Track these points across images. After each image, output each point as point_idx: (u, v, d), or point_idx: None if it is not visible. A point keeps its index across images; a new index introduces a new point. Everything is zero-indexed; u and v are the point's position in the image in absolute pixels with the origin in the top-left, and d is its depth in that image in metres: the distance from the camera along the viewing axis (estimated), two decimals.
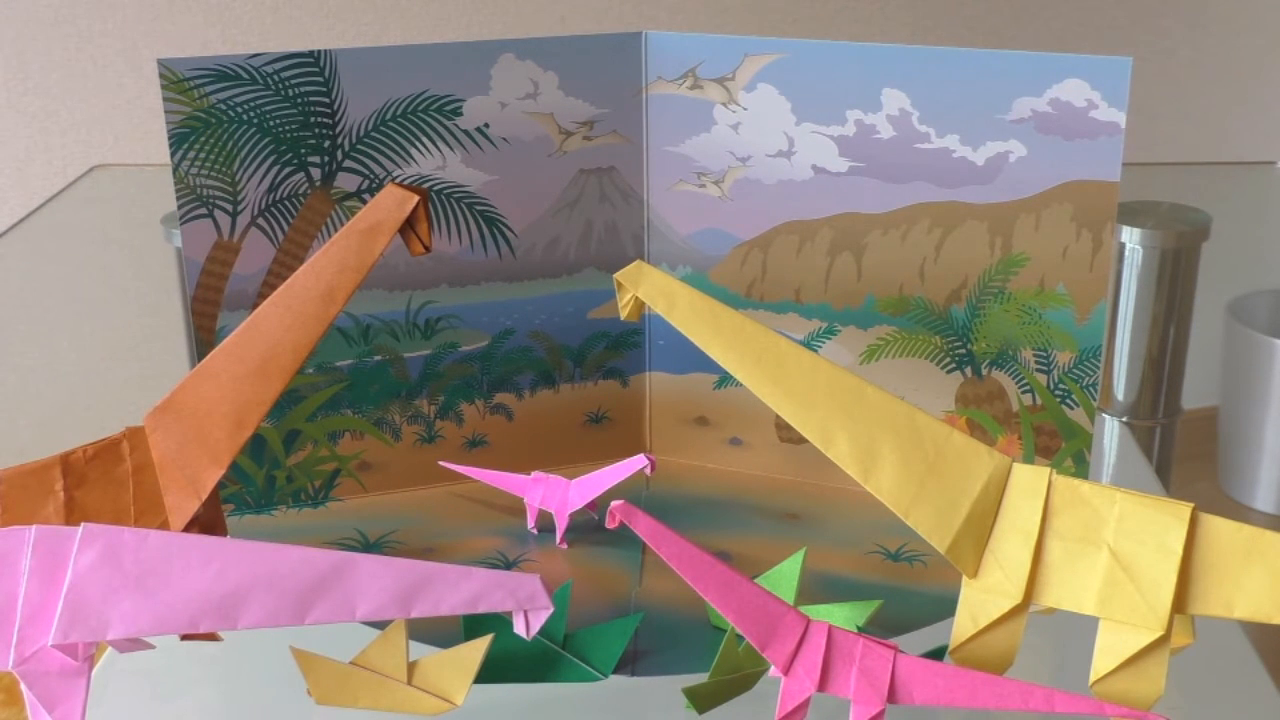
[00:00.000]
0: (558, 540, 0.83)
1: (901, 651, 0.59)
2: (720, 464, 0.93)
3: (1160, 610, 0.58)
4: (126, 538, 0.55)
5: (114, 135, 1.67)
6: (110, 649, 0.59)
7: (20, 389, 1.13)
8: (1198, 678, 0.70)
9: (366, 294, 0.86)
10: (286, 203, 0.84)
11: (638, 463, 0.81)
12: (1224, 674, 0.73)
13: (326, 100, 0.83)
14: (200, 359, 0.71)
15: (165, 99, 0.80)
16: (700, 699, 0.65)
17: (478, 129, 0.85)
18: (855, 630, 0.63)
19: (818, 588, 0.78)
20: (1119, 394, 1.02)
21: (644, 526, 0.58)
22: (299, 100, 0.82)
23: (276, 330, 0.67)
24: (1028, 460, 0.85)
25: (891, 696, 0.58)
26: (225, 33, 1.64)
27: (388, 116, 0.84)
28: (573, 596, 0.73)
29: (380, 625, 0.64)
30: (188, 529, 0.65)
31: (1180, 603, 0.58)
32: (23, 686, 0.55)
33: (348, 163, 0.84)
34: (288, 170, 0.83)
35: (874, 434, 0.62)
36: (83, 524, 0.56)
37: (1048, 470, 0.61)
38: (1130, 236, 0.99)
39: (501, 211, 0.87)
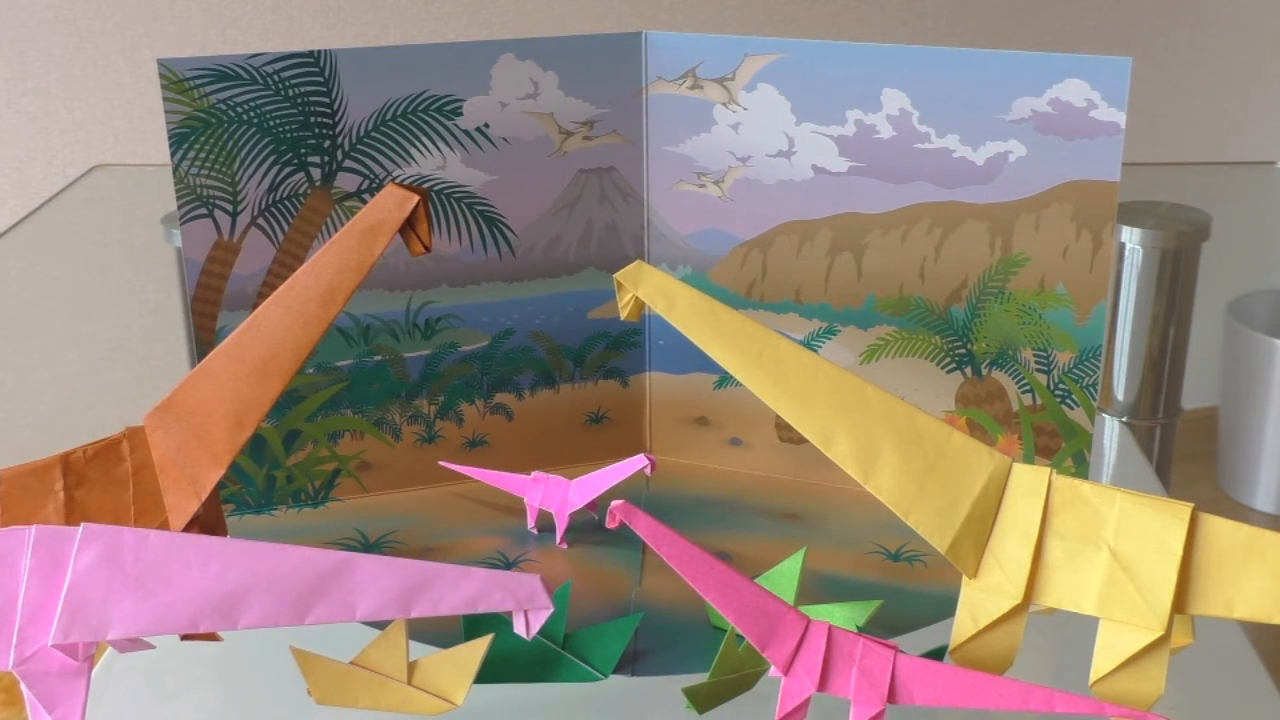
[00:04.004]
0: (558, 540, 0.83)
1: (901, 651, 0.59)
2: (720, 464, 0.93)
3: (1160, 610, 0.58)
4: (126, 538, 0.55)
5: (114, 135, 1.67)
6: (110, 649, 0.59)
7: (20, 389, 1.13)
8: (1198, 678, 0.70)
9: (366, 294, 0.86)
10: (286, 203, 0.84)
11: (638, 463, 0.81)
12: (1224, 674, 0.73)
13: (326, 100, 0.83)
14: (200, 359, 0.71)
15: (165, 99, 0.80)
16: (700, 699, 0.65)
17: (478, 129, 0.85)
18: (855, 630, 0.63)
19: (818, 588, 0.78)
20: (1119, 394, 1.02)
21: (644, 526, 0.58)
22: (299, 100, 0.82)
23: (276, 330, 0.67)
24: (1028, 460, 0.85)
25: (891, 696, 0.58)
26: (225, 33, 1.64)
27: (388, 116, 0.84)
28: (573, 596, 0.73)
29: (380, 625, 0.64)
30: (188, 529, 0.65)
31: (1180, 603, 0.58)
32: (23, 686, 0.55)
33: (348, 163, 0.84)
34: (288, 170, 0.83)
35: (874, 434, 0.62)
36: (83, 524, 0.56)
37: (1048, 470, 0.61)
38: (1130, 236, 0.99)
39: (501, 211, 0.87)
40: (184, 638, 0.63)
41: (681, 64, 0.86)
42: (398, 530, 0.86)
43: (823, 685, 0.59)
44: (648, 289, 0.67)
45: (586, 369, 0.92)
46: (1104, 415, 1.02)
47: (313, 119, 0.83)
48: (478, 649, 0.63)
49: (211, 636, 0.64)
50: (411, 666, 0.63)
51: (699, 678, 0.65)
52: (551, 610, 0.58)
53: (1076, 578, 0.59)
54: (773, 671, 0.60)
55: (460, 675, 0.63)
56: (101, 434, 0.66)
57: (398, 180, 0.84)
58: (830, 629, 0.59)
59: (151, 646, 0.59)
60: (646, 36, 0.86)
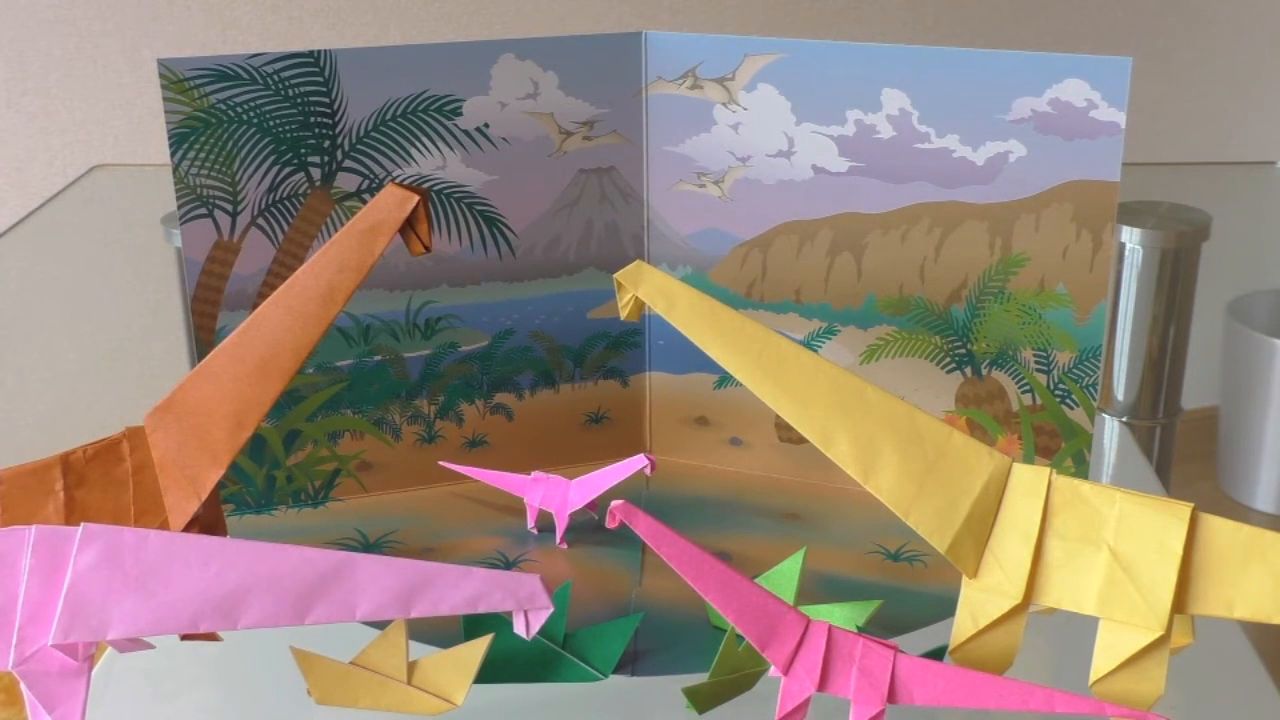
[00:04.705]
0: (558, 540, 0.83)
1: (901, 651, 0.59)
2: (720, 464, 0.93)
3: (1160, 610, 0.58)
4: (126, 538, 0.55)
5: (114, 135, 1.67)
6: (110, 649, 0.59)
7: (20, 389, 1.13)
8: (1198, 678, 0.70)
9: (366, 294, 0.86)
10: (286, 203, 0.84)
11: (638, 463, 0.81)
12: (1224, 674, 0.73)
13: (326, 100, 0.83)
14: (200, 359, 0.71)
15: (165, 99, 0.80)
16: (700, 699, 0.65)
17: (478, 129, 0.85)
18: (855, 630, 0.63)
19: (818, 588, 0.78)
20: (1119, 394, 1.02)
21: (644, 526, 0.58)
22: (299, 100, 0.82)
23: (276, 330, 0.67)
24: (1028, 460, 0.85)
25: (891, 696, 0.58)
26: (225, 33, 1.64)
27: (388, 116, 0.84)
28: (573, 596, 0.73)
29: (380, 625, 0.64)
30: (188, 529, 0.65)
31: (1180, 603, 0.58)
32: (23, 686, 0.55)
33: (348, 163, 0.84)
34: (288, 170, 0.83)
35: (874, 434, 0.62)
36: (83, 524, 0.56)
37: (1048, 470, 0.61)
38: (1130, 236, 0.99)
39: (501, 211, 0.87)
40: (184, 638, 0.63)
41: (681, 64, 0.86)
42: (398, 530, 0.86)
43: (823, 685, 0.59)
44: (648, 289, 0.67)
45: (586, 369, 0.92)
46: (1104, 415, 1.02)
47: (313, 119, 0.83)
48: (478, 649, 0.63)
49: (211, 636, 0.64)
50: (411, 666, 0.63)
51: (699, 678, 0.65)
52: (551, 610, 0.58)
53: (1076, 578, 0.59)
54: (773, 671, 0.60)
55: (460, 675, 0.63)
56: (101, 434, 0.66)
57: (398, 180, 0.84)
58: (830, 629, 0.59)
59: (151, 646, 0.59)
60: (646, 36, 0.86)
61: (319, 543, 0.83)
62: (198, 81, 0.80)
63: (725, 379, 0.91)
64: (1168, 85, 1.72)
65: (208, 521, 0.67)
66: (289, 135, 0.83)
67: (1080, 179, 0.80)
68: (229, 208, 0.83)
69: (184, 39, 1.64)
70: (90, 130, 1.67)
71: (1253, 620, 0.58)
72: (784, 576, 0.73)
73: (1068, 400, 0.83)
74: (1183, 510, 0.59)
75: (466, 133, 0.85)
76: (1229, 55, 1.72)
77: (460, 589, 0.57)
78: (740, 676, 0.65)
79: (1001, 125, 0.80)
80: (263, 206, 0.83)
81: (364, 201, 0.84)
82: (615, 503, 0.58)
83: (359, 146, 0.84)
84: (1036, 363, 0.84)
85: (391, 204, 0.69)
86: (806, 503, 0.88)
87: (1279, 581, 0.57)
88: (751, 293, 0.89)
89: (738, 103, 0.86)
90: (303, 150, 0.83)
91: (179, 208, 0.82)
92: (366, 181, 0.85)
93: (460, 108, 0.85)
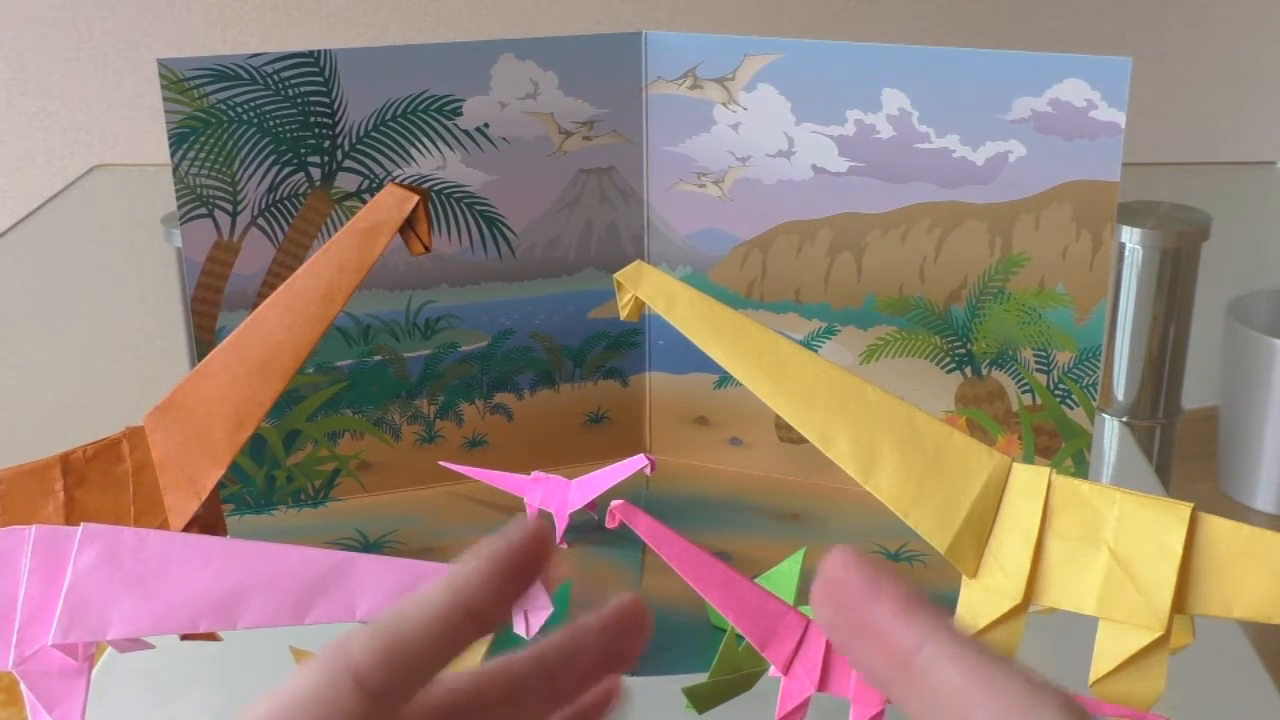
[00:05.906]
0: (558, 540, 0.83)
1: None
2: (720, 464, 0.93)
3: (1160, 610, 0.58)
4: (126, 538, 0.55)
5: (114, 135, 1.67)
6: (110, 649, 0.59)
7: (20, 389, 1.13)
8: (1198, 678, 0.70)
9: (366, 294, 0.86)
10: (286, 203, 0.84)
11: (638, 463, 0.81)
12: (1224, 674, 0.73)
13: (326, 100, 0.83)
14: (200, 359, 0.71)
15: (165, 99, 0.80)
16: (700, 699, 0.65)
17: (478, 129, 0.85)
18: None
19: None
20: (1119, 394, 1.02)
21: (644, 526, 0.58)
22: (299, 100, 0.82)
23: (276, 330, 0.67)
24: (1028, 460, 0.85)
25: None
26: (225, 33, 1.64)
27: (388, 116, 0.84)
28: (573, 596, 0.73)
29: None
30: (188, 529, 0.65)
31: (1180, 603, 0.58)
32: (23, 686, 0.55)
33: (348, 163, 0.84)
34: (288, 170, 0.83)
35: (874, 434, 0.62)
36: (83, 524, 0.56)
37: (1047, 470, 0.61)
38: (1130, 236, 0.99)
39: (501, 211, 0.87)
40: (184, 638, 0.63)
41: (681, 64, 0.86)
42: (398, 530, 0.86)
43: (823, 685, 0.59)
44: (648, 289, 0.67)
45: (586, 369, 0.92)
46: (1104, 415, 1.02)
47: (313, 119, 0.83)
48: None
49: (211, 636, 0.64)
50: None
51: (699, 678, 0.65)
52: (551, 610, 0.58)
53: (1076, 578, 0.59)
54: (773, 671, 0.60)
55: None
56: (101, 434, 0.66)
57: (398, 180, 0.84)
58: None
59: (151, 646, 0.59)
60: (646, 36, 0.86)
61: (319, 543, 0.83)
62: (198, 81, 0.80)
63: (725, 379, 0.91)
64: (1168, 85, 1.72)
65: (208, 521, 0.67)
66: (289, 135, 0.83)
67: (1080, 179, 0.80)
68: (229, 208, 0.83)
69: (184, 39, 1.64)
70: (90, 130, 1.67)
71: (1253, 620, 0.58)
72: (784, 576, 0.73)
73: (1068, 400, 0.83)
74: (1183, 510, 0.59)
75: (466, 133, 0.85)
76: (1229, 55, 1.72)
77: None
78: (740, 676, 0.65)
79: (1001, 125, 0.80)
80: (263, 206, 0.83)
81: (364, 201, 0.84)
82: (615, 503, 0.58)
83: (359, 146, 0.84)
84: (1036, 363, 0.84)
85: (391, 204, 0.69)
86: (806, 503, 0.88)
87: (1279, 581, 0.57)
88: (751, 293, 0.89)
89: (738, 103, 0.86)
90: (303, 150, 0.83)
91: (179, 208, 0.82)
92: (366, 181, 0.85)
93: (460, 108, 0.85)
